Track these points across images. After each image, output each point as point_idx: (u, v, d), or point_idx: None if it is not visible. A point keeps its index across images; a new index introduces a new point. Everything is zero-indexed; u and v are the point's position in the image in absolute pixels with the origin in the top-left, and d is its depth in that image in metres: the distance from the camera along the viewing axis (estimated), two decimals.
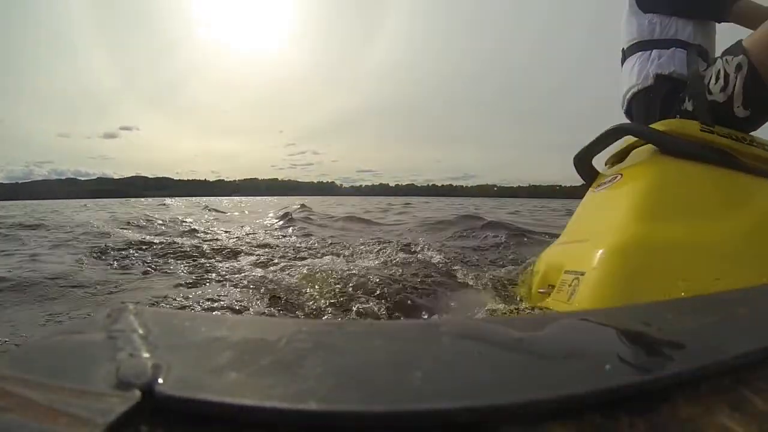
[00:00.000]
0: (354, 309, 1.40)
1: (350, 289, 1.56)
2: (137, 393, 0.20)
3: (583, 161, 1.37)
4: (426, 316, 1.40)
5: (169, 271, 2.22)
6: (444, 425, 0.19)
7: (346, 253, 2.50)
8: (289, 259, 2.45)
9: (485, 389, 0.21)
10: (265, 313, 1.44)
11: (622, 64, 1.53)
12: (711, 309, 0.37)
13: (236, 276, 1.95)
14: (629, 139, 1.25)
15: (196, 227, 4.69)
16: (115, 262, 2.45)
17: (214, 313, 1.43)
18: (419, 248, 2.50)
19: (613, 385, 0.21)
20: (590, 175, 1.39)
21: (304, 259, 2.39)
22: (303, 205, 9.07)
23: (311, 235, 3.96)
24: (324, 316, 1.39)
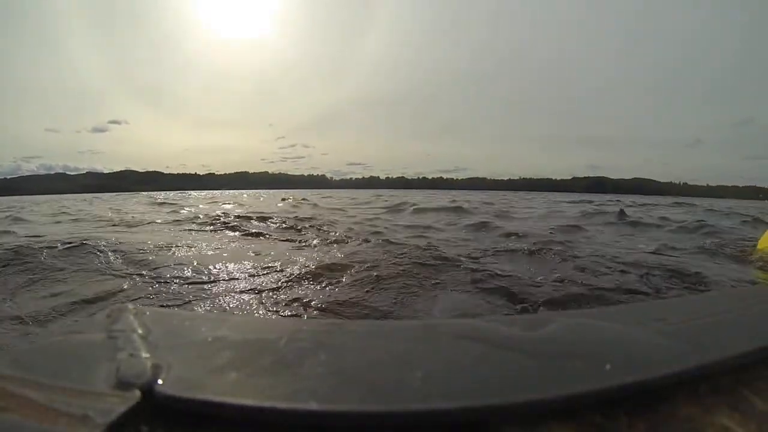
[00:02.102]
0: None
1: None
2: (137, 393, 0.20)
3: None
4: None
5: None
6: (444, 425, 0.19)
7: None
8: None
9: (485, 389, 0.21)
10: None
11: None
12: (711, 309, 0.37)
13: None
14: None
15: None
16: None
17: (214, 311, 1.43)
18: None
19: (613, 385, 0.21)
20: None
21: None
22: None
23: None
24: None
